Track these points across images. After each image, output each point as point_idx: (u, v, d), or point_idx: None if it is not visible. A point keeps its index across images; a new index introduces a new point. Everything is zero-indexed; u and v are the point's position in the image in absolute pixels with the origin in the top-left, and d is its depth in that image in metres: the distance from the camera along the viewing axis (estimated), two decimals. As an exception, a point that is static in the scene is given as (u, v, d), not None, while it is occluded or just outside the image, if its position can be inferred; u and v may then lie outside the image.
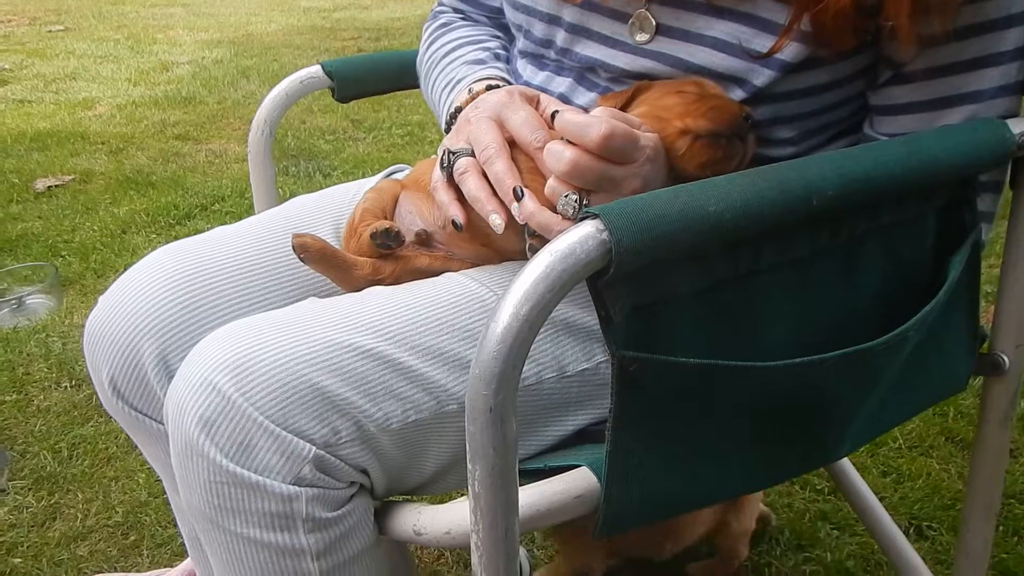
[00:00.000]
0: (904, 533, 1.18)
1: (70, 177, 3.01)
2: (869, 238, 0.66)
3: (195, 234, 2.76)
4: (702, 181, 0.56)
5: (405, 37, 5.49)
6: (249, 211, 2.74)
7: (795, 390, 0.64)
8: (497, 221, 0.69)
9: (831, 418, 0.69)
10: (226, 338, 0.66)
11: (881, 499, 1.23)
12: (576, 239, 0.50)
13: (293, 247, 0.73)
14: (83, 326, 0.84)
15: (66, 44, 5.70)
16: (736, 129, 0.71)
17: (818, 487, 1.44)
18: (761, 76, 0.73)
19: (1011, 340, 0.81)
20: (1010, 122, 0.71)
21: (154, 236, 2.49)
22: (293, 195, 3.05)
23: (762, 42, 0.72)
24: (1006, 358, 0.81)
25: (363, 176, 3.15)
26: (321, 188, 3.19)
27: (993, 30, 0.70)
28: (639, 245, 0.51)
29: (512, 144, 0.72)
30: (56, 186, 2.92)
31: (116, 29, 6.29)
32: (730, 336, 0.61)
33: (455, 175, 0.73)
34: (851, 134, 0.80)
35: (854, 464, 1.26)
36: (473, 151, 0.73)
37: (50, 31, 6.29)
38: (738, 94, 0.75)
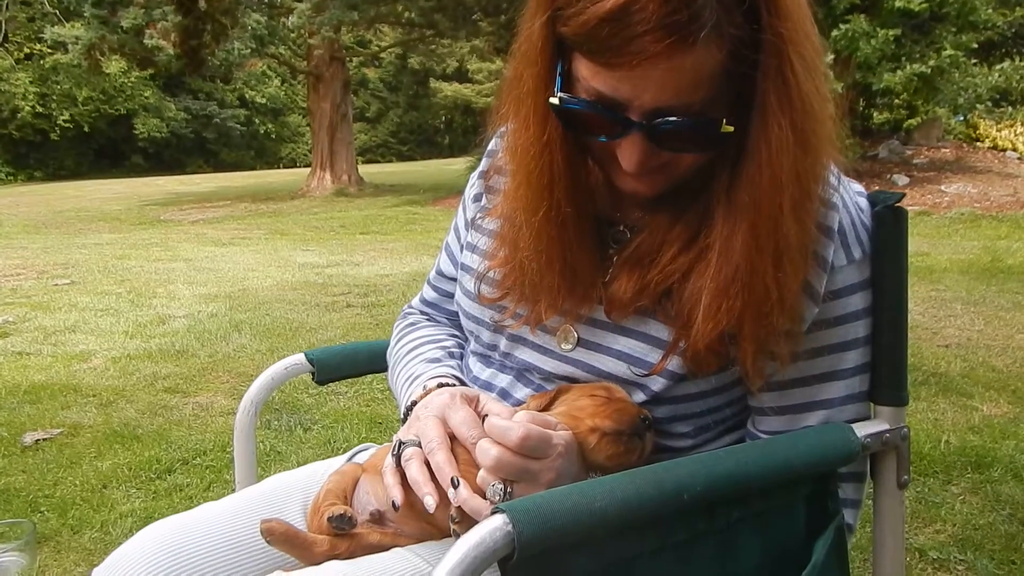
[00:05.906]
0: None
1: (58, 430, 3.12)
2: (743, 523, 0.80)
3: (174, 489, 2.77)
4: (591, 480, 0.71)
5: (391, 293, 5.86)
6: (228, 465, 2.83)
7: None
8: (430, 502, 0.83)
9: None
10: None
11: None
12: (486, 531, 0.64)
13: (261, 531, 0.86)
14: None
15: (70, 297, 6.03)
16: (635, 428, 0.88)
17: None
18: (657, 383, 0.91)
19: (892, 608, 0.93)
20: (856, 426, 0.88)
21: (133, 491, 2.56)
22: (273, 449, 3.11)
23: (655, 356, 0.91)
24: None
25: (342, 430, 3.26)
26: (301, 441, 3.26)
27: (834, 352, 0.89)
28: (538, 535, 0.65)
29: (453, 438, 0.88)
30: (43, 440, 3.03)
31: (119, 283, 6.69)
32: (623, 610, 0.73)
33: (402, 462, 0.87)
34: (738, 430, 0.96)
35: None
36: (420, 443, 0.88)
37: (56, 284, 6.66)
38: (640, 397, 0.92)
